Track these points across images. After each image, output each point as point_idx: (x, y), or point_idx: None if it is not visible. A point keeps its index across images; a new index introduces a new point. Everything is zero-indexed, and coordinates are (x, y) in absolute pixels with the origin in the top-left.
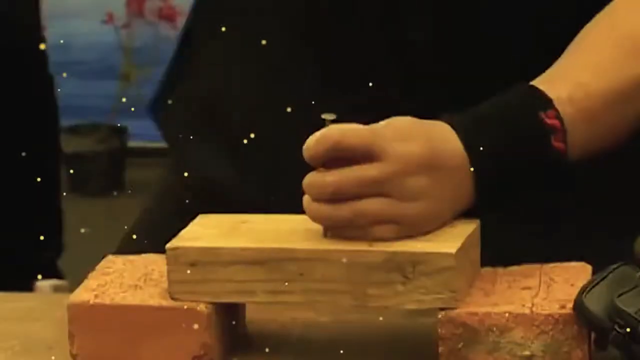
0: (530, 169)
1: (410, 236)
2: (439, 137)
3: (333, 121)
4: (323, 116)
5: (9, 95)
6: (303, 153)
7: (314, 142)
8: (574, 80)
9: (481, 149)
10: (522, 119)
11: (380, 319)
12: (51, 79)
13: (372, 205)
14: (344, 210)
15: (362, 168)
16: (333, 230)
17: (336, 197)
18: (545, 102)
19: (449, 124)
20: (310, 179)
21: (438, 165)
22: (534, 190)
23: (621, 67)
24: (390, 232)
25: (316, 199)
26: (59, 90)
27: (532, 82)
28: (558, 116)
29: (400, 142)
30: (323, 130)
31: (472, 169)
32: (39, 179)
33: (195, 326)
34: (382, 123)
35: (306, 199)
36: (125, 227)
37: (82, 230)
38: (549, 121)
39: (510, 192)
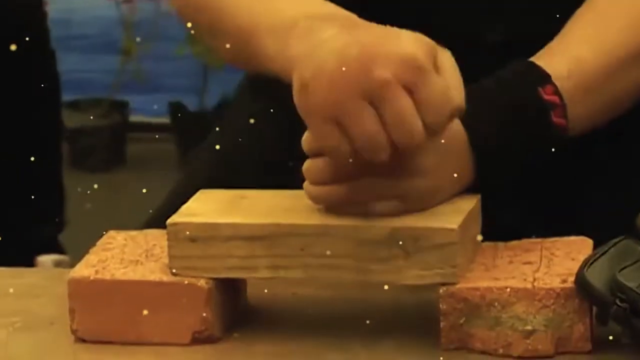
0: (531, 146)
1: (411, 212)
2: None
3: None
4: None
5: (10, 71)
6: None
7: None
8: (572, 54)
9: (479, 127)
10: (520, 95)
11: (386, 287)
12: (53, 54)
13: (373, 182)
14: (344, 188)
15: None
16: (335, 208)
17: (336, 178)
18: (542, 77)
19: None
20: (309, 165)
21: (438, 143)
22: (535, 166)
23: (620, 38)
24: (392, 208)
25: (315, 183)
26: (60, 65)
27: (531, 58)
28: (557, 91)
29: None
30: None
31: (471, 147)
32: (40, 155)
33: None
34: None
35: (306, 182)
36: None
37: (87, 206)
38: (547, 97)
39: (511, 169)
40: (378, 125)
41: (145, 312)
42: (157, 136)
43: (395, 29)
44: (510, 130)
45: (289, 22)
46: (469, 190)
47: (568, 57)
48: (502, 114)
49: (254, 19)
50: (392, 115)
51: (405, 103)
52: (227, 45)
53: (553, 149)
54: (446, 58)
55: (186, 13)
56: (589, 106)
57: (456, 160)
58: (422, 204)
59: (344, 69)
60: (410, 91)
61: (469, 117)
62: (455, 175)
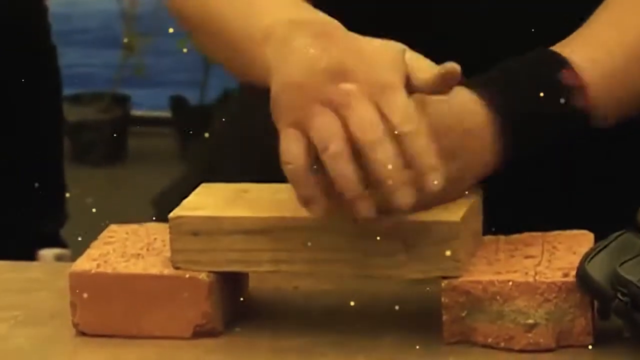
0: (553, 127)
1: (426, 205)
2: (459, 102)
3: None
4: None
5: (10, 67)
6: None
7: None
8: (598, 42)
9: (502, 109)
10: (540, 76)
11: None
12: (53, 48)
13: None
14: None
15: None
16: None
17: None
18: (562, 61)
19: (468, 88)
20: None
21: (459, 128)
22: (556, 151)
23: None
24: (413, 197)
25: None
26: (61, 59)
27: (554, 47)
28: (577, 76)
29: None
30: None
31: (493, 132)
32: (41, 149)
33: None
34: None
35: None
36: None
37: (89, 200)
38: (567, 80)
39: (533, 153)
40: (339, 127)
41: (146, 306)
42: (158, 130)
43: (368, 39)
44: (531, 116)
45: (266, 30)
46: (489, 176)
47: (593, 46)
48: (522, 100)
49: (237, 31)
50: (355, 119)
51: (369, 109)
52: (222, 58)
53: (576, 132)
54: (419, 60)
55: (182, 25)
56: (615, 95)
57: (478, 146)
58: (445, 192)
59: (310, 79)
60: (375, 104)
61: (490, 98)
62: (477, 161)
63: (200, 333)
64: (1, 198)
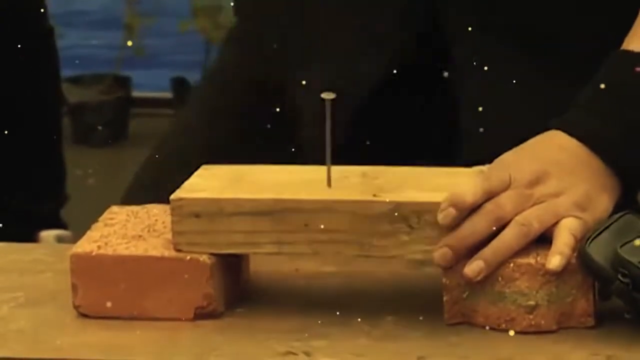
0: None
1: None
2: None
3: (332, 100)
4: (322, 95)
5: (8, 49)
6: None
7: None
8: None
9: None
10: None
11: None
12: (51, 30)
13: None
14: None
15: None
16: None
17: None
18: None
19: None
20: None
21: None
22: None
23: None
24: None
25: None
26: (62, 41)
27: (623, 47)
28: None
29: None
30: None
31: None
32: (40, 131)
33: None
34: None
35: None
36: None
37: (90, 181)
38: None
39: None
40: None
41: (148, 288)
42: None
43: None
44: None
45: None
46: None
47: None
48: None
49: None
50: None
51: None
52: None
53: None
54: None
55: None
56: None
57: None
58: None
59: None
60: None
61: (585, 136)
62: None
63: (201, 315)
64: (1, 180)
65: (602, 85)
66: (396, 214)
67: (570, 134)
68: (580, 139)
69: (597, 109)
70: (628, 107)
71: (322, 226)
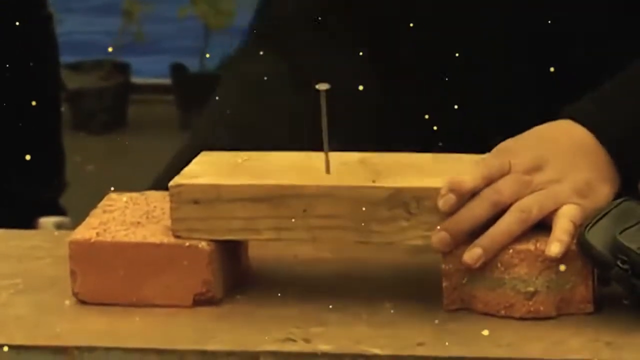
0: None
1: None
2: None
3: (327, 91)
4: (317, 86)
5: (6, 35)
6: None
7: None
8: None
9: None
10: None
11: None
12: (50, 16)
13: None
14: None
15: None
16: None
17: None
18: None
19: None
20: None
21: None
22: None
23: None
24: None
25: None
26: (61, 27)
27: None
28: None
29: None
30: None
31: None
32: (39, 117)
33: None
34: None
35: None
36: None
37: (89, 168)
38: None
39: None
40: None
41: (146, 275)
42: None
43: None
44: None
45: None
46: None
47: None
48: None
49: None
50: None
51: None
52: None
53: None
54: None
55: None
56: None
57: (593, 160)
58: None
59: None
60: None
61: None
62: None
63: (200, 301)
64: (0, 166)
65: (620, 80)
66: (395, 200)
67: (581, 123)
68: (589, 129)
69: (610, 103)
70: None
71: (321, 212)
